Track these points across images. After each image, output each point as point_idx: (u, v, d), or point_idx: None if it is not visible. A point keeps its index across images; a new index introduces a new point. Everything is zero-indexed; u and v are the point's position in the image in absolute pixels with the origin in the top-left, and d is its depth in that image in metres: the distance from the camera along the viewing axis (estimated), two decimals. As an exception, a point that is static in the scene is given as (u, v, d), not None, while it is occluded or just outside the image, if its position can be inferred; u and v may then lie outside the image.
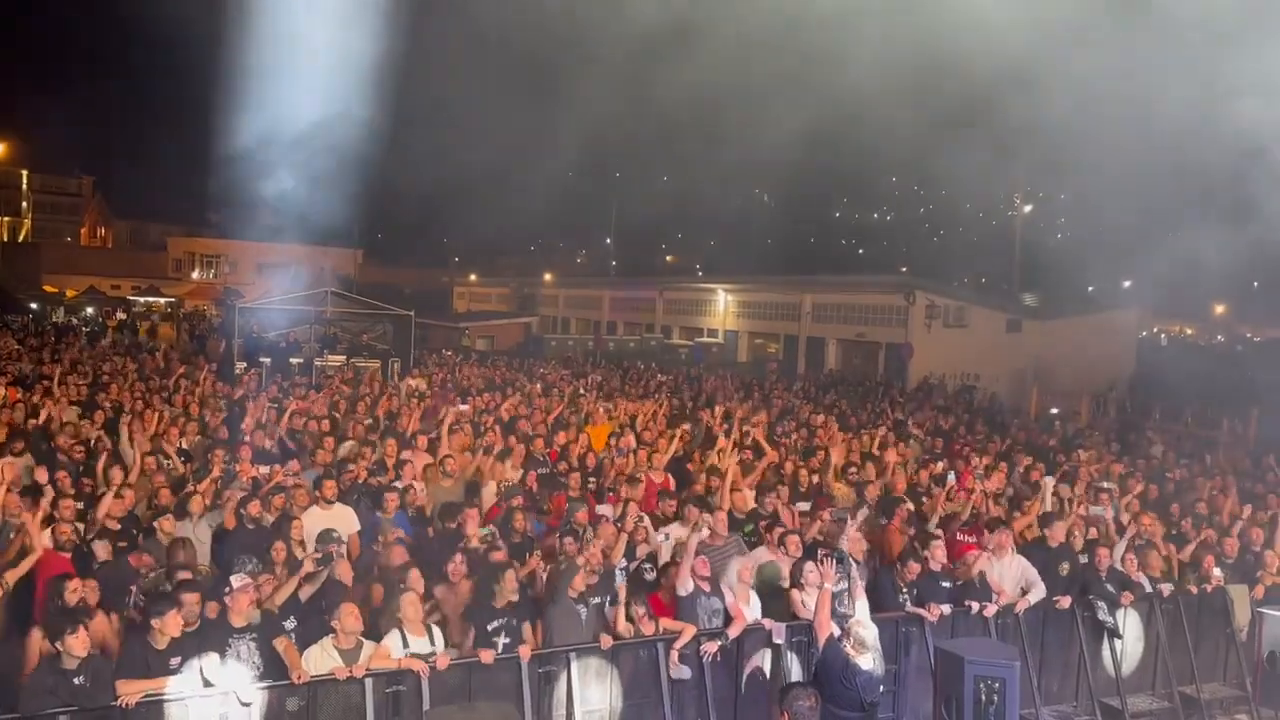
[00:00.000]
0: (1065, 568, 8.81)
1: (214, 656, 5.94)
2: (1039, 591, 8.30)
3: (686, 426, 14.40)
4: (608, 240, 77.47)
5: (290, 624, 6.57)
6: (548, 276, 68.42)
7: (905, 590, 8.00)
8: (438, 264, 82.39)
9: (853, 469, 11.60)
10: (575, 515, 8.61)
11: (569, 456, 11.51)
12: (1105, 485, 12.14)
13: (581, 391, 18.70)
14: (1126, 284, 54.28)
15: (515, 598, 6.84)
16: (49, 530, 7.27)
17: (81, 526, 7.71)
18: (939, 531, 9.29)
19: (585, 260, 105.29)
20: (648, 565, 7.99)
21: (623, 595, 7.26)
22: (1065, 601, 8.41)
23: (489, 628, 6.73)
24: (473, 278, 76.14)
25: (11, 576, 6.56)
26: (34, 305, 44.39)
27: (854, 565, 7.20)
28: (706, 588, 7.42)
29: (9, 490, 7.90)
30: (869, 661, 5.76)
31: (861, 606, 6.17)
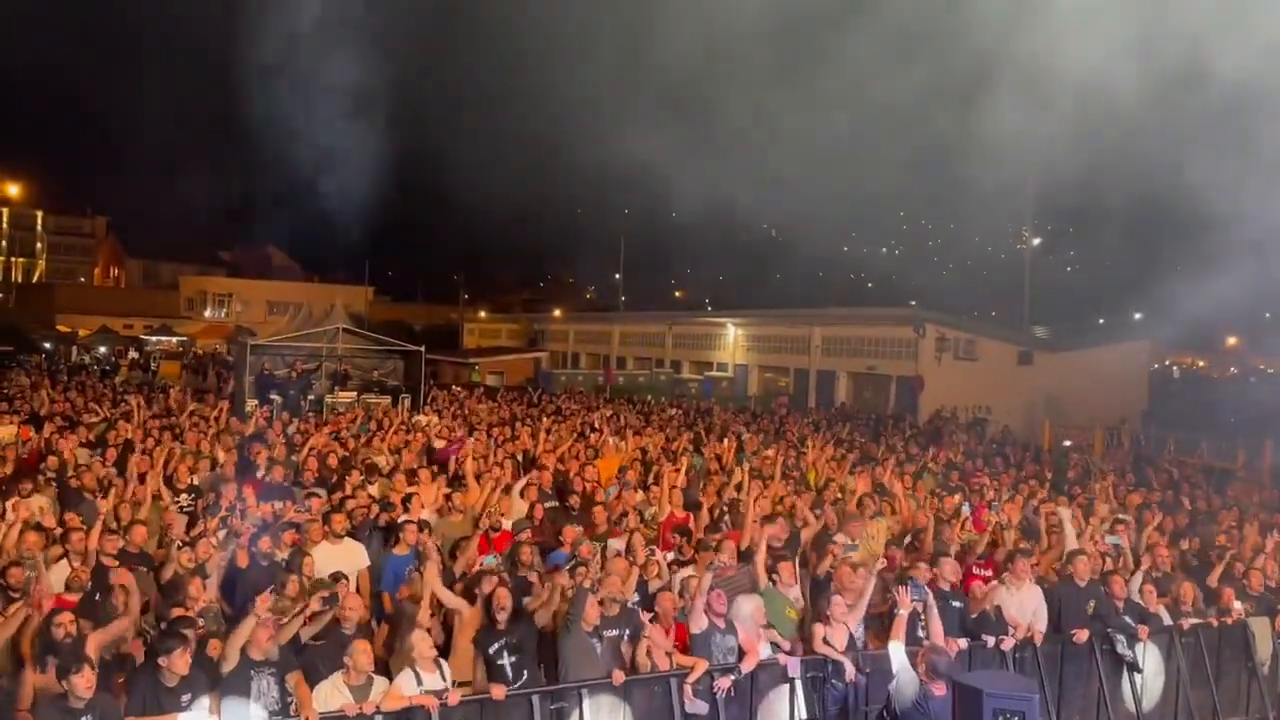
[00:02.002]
0: (1093, 605, 8.66)
1: (232, 691, 5.90)
2: (1041, 623, 8.21)
3: (688, 456, 14.38)
4: (617, 275, 77.74)
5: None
6: (557, 312, 68.66)
7: (922, 621, 7.89)
8: (447, 300, 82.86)
9: (868, 499, 11.53)
10: (580, 549, 8.56)
11: (578, 489, 11.47)
12: (1122, 517, 12.04)
13: (595, 426, 18.68)
14: (1138, 316, 54.19)
15: (507, 612, 6.84)
16: (54, 566, 7.26)
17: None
18: (949, 550, 9.20)
19: (594, 295, 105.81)
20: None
21: (647, 630, 7.18)
22: (1083, 635, 8.29)
23: (490, 650, 6.71)
24: (482, 314, 76.44)
25: (9, 629, 6.44)
26: (48, 344, 44.69)
27: (929, 593, 7.16)
28: (721, 624, 7.34)
29: (25, 529, 7.90)
30: (942, 689, 5.76)
31: (936, 631, 6.15)
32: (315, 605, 6.81)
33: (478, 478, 11.43)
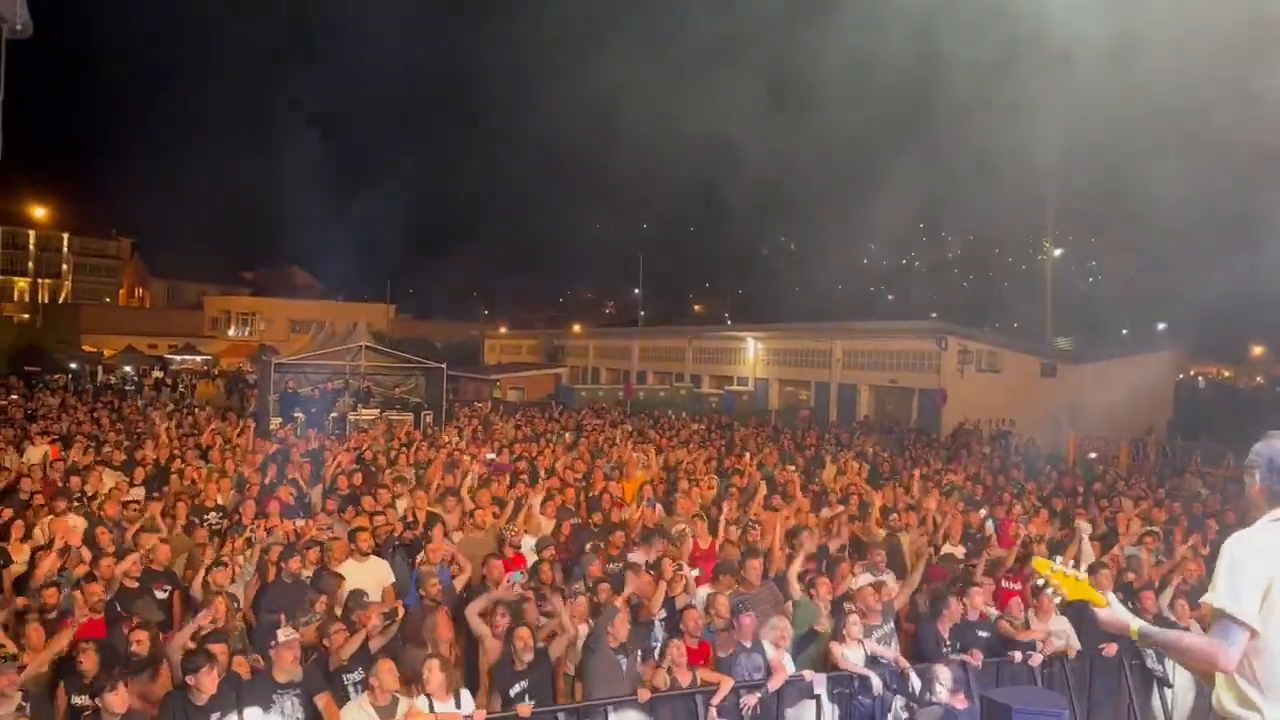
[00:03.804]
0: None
1: (256, 711, 5.92)
2: (1075, 639, 8.15)
3: (714, 476, 14.36)
4: (636, 290, 77.88)
5: (357, 675, 6.59)
6: (577, 327, 68.80)
7: (948, 643, 7.87)
8: (468, 316, 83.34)
9: (894, 515, 11.48)
10: (589, 568, 8.56)
11: (601, 507, 11.48)
12: (1150, 529, 11.92)
13: (616, 441, 18.69)
14: (1161, 326, 53.72)
15: (531, 656, 6.77)
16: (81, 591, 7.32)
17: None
18: (984, 580, 9.13)
19: (614, 310, 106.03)
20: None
21: (664, 648, 7.17)
22: (1111, 649, 8.20)
23: (511, 693, 6.65)
24: (503, 330, 76.74)
25: (45, 657, 6.43)
26: (73, 365, 45.21)
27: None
28: (749, 645, 7.32)
29: (57, 550, 7.98)
30: (964, 702, 5.77)
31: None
32: (376, 622, 6.83)
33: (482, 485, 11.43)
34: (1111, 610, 3.58)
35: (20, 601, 7.08)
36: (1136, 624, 3.48)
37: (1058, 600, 3.74)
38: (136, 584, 7.99)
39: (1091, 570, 9.15)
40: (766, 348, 46.19)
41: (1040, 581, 3.71)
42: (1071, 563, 3.76)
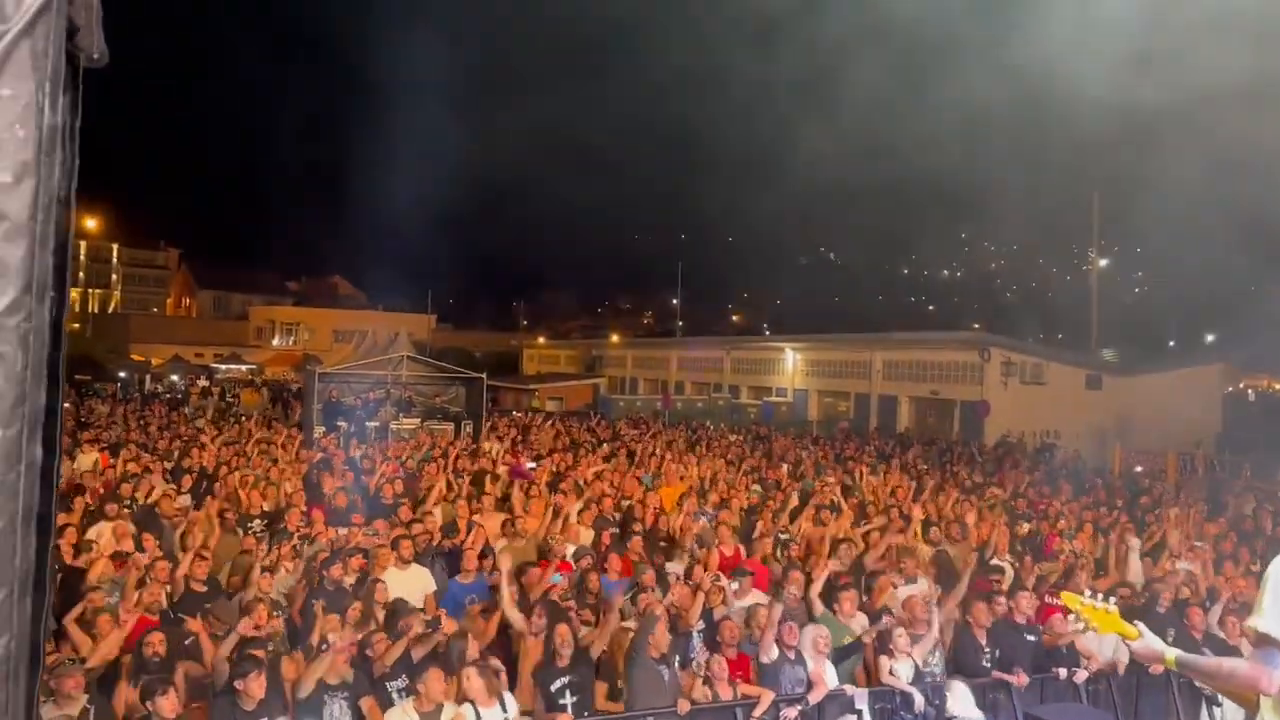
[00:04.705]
0: (1172, 634, 8.42)
1: (307, 713, 6.01)
2: (1124, 655, 8.00)
3: (757, 487, 14.30)
4: (674, 301, 77.93)
5: (401, 683, 6.67)
6: (615, 337, 68.94)
7: (987, 650, 7.77)
8: (507, 326, 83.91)
9: (934, 529, 11.37)
10: (642, 577, 8.55)
11: (641, 518, 11.48)
12: (1198, 544, 11.70)
13: (653, 451, 18.69)
14: (1210, 338, 52.72)
15: (571, 652, 6.81)
16: (138, 594, 7.48)
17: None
18: (1027, 584, 9.03)
19: (652, 321, 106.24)
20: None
21: (701, 658, 7.17)
22: (1159, 666, 8.04)
23: (553, 688, 6.69)
24: (541, 340, 77.11)
25: (105, 652, 6.64)
26: (122, 373, 46.12)
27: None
28: (792, 655, 7.29)
29: (107, 556, 8.16)
30: None
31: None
32: (418, 628, 6.90)
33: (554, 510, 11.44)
34: (1145, 642, 3.51)
35: (90, 600, 7.24)
36: (1172, 653, 3.41)
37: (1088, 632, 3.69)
38: (204, 587, 8.15)
39: (1148, 590, 9.02)
40: (805, 358, 45.98)
41: (1071, 616, 3.67)
42: (1100, 595, 3.71)
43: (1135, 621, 3.69)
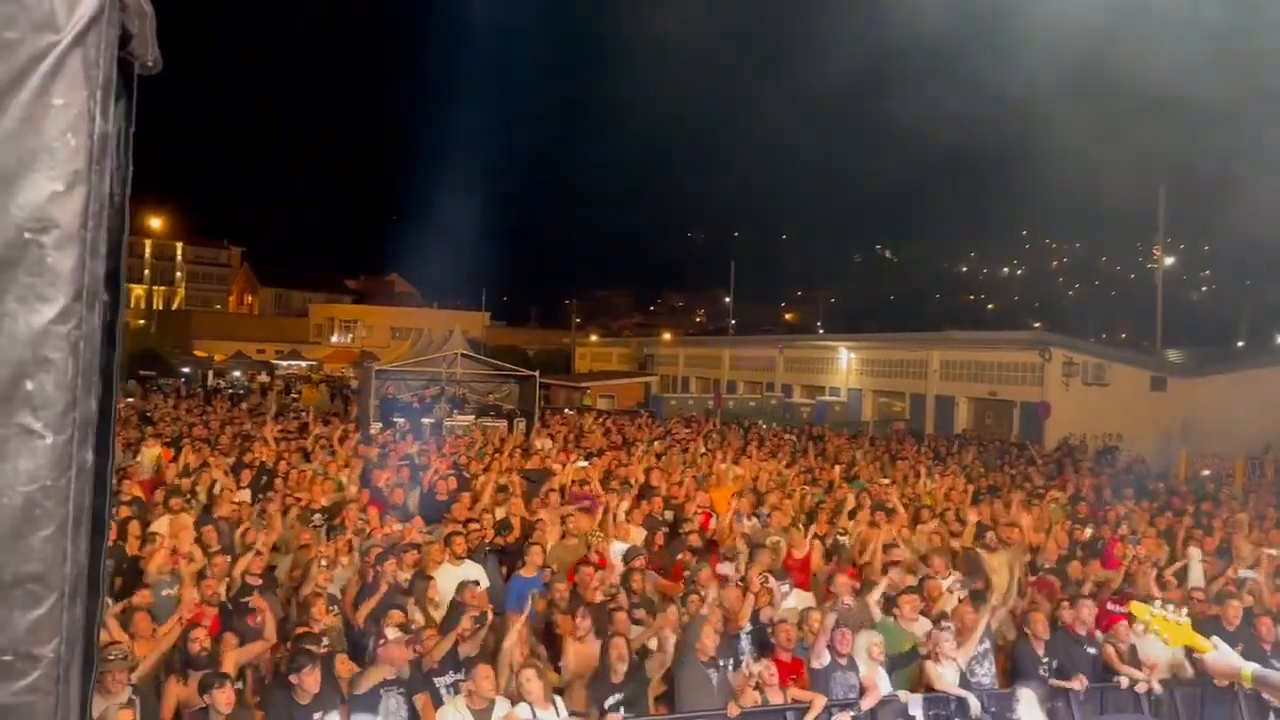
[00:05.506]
0: (1240, 646, 8.16)
1: (362, 707, 6.09)
2: (1188, 666, 7.77)
3: (809, 488, 14.18)
4: (727, 299, 77.63)
5: (450, 678, 6.72)
6: (667, 335, 68.87)
7: (1045, 661, 7.61)
8: (560, 324, 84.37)
9: (989, 533, 11.15)
10: (698, 576, 8.50)
11: (691, 518, 11.45)
12: (1270, 552, 11.33)
13: (704, 450, 18.63)
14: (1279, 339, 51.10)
15: (626, 667, 6.76)
16: (196, 587, 7.64)
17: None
18: (1087, 592, 8.82)
19: (704, 319, 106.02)
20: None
21: (749, 660, 7.12)
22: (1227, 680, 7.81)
23: (606, 705, 6.65)
24: (593, 338, 77.34)
25: (163, 646, 6.77)
26: (185, 369, 47.23)
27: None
28: (844, 661, 7.21)
29: (170, 549, 8.34)
30: None
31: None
32: (467, 625, 6.95)
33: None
34: (1218, 655, 3.33)
35: (131, 600, 7.41)
36: (1249, 668, 3.21)
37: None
38: (259, 580, 8.32)
39: (1219, 600, 8.75)
40: (860, 357, 45.47)
41: (1140, 628, 3.54)
42: (1172, 606, 3.57)
43: (1210, 636, 3.55)
